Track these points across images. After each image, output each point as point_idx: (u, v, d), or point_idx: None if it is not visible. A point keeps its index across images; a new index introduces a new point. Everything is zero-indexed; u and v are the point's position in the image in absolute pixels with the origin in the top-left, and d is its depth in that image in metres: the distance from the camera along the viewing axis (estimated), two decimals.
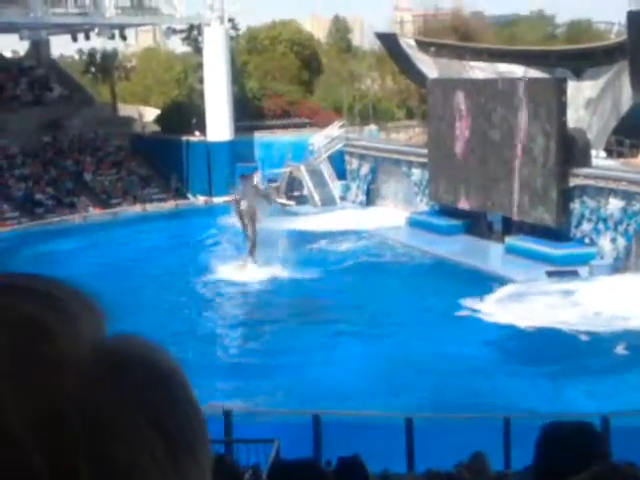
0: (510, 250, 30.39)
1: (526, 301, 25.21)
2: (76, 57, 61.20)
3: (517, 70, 35.73)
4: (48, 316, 0.66)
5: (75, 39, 44.79)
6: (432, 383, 18.98)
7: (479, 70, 37.21)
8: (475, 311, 24.48)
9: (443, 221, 34.44)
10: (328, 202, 41.35)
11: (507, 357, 21.06)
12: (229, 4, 44.85)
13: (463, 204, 33.82)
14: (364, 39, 67.17)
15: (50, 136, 44.76)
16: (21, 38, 41.33)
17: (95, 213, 40.53)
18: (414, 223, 35.60)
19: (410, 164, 37.93)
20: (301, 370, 20.23)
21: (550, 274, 27.45)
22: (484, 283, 26.99)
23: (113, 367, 0.66)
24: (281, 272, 28.88)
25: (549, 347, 21.54)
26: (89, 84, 54.39)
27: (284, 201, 42.44)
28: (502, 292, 26.20)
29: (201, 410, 0.71)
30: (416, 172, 37.55)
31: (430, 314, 24.34)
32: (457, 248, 31.68)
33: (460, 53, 38.93)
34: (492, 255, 31.06)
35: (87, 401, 0.63)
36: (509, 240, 30.88)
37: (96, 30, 42.30)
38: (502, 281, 27.23)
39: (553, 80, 31.23)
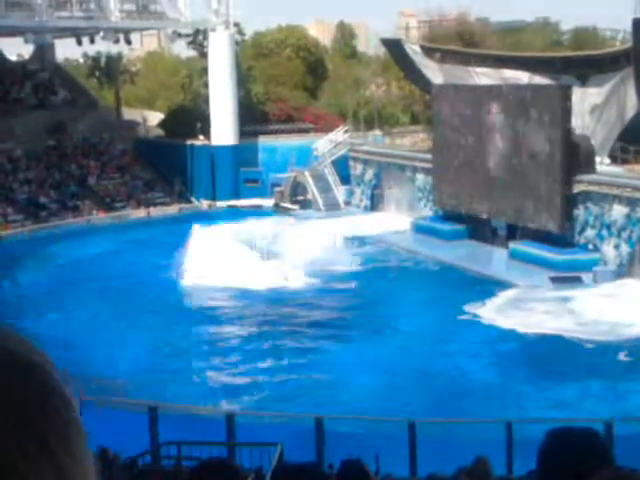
0: (514, 255, 30.38)
1: (528, 307, 25.22)
2: (81, 61, 61.42)
3: (522, 76, 35.71)
4: None
5: (80, 43, 44.90)
6: (432, 387, 18.99)
7: (484, 76, 37.20)
8: (477, 316, 24.51)
9: (447, 226, 34.43)
10: (332, 207, 41.38)
11: (506, 362, 21.03)
12: (235, 9, 44.95)
13: (467, 209, 33.81)
14: (369, 45, 67.24)
15: (54, 140, 44.84)
16: (26, 41, 41.44)
17: (99, 217, 40.57)
18: (418, 228, 35.62)
19: (414, 169, 37.95)
20: (301, 373, 20.25)
21: (553, 280, 27.45)
22: (487, 288, 27.03)
23: None
24: (288, 277, 28.89)
25: (550, 353, 21.51)
26: (93, 88, 54.51)
27: (288, 205, 42.49)
28: (504, 297, 26.23)
29: (69, 401, 0.71)
30: (420, 177, 37.56)
31: (432, 318, 24.41)
32: (461, 253, 31.69)
33: (465, 59, 38.93)
34: (496, 260, 31.04)
35: None
36: (513, 245, 30.87)
37: (101, 34, 42.35)
38: (505, 286, 27.27)
39: (558, 87, 31.23)
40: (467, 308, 25.07)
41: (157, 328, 24.40)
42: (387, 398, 18.37)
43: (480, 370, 20.30)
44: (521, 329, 23.14)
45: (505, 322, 23.71)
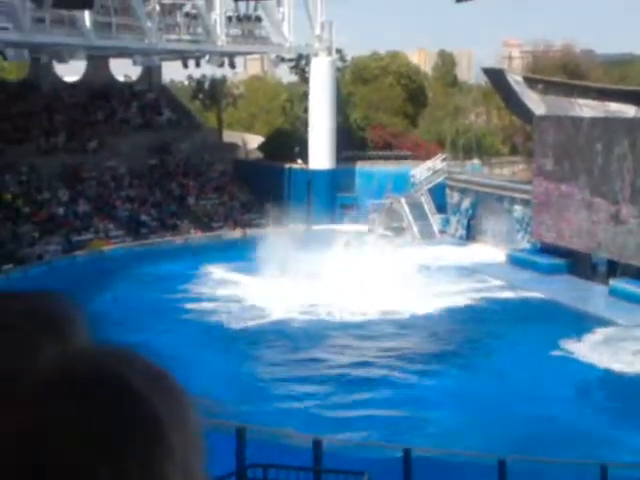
0: (614, 293, 29.49)
1: (626, 345, 24.39)
2: (185, 83, 62.87)
3: (628, 110, 34.87)
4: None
5: (186, 65, 45.96)
6: (523, 424, 18.49)
7: (588, 108, 36.44)
8: (571, 352, 23.86)
9: (545, 260, 33.70)
10: (427, 235, 41.07)
11: (600, 401, 20.34)
12: (337, 35, 45.38)
13: (567, 243, 33.06)
14: (470, 73, 66.83)
15: (157, 159, 45.93)
16: (134, 63, 42.59)
17: (196, 236, 41.25)
18: (515, 260, 34.97)
19: (513, 200, 37.37)
20: (387, 405, 20.04)
21: None
22: (584, 325, 26.31)
23: (64, 387, 0.64)
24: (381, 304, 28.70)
25: None
26: (197, 110, 55.72)
27: (383, 232, 42.36)
28: (602, 334, 25.49)
29: (161, 436, 0.67)
30: (518, 209, 36.95)
31: (526, 353, 23.86)
32: (559, 288, 30.93)
33: (569, 91, 38.22)
34: (595, 297, 30.18)
35: (31, 423, 0.62)
36: (614, 282, 29.98)
37: (207, 57, 43.26)
38: (603, 323, 26.49)
39: None
40: (562, 344, 24.42)
41: (256, 348, 24.57)
42: (474, 433, 17.98)
43: (572, 409, 19.68)
44: (617, 368, 22.39)
45: (601, 360, 22.99)
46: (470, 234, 40.46)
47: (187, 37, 42.09)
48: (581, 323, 26.62)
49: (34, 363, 0.66)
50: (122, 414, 0.64)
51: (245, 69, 76.06)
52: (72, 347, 0.68)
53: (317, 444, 11.80)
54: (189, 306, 29.29)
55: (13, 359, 0.65)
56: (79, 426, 0.62)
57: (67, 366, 0.66)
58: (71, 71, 49.02)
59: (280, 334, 26.38)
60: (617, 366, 22.48)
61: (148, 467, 0.64)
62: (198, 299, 30.19)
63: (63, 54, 39.81)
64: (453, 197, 41.63)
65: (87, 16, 35.46)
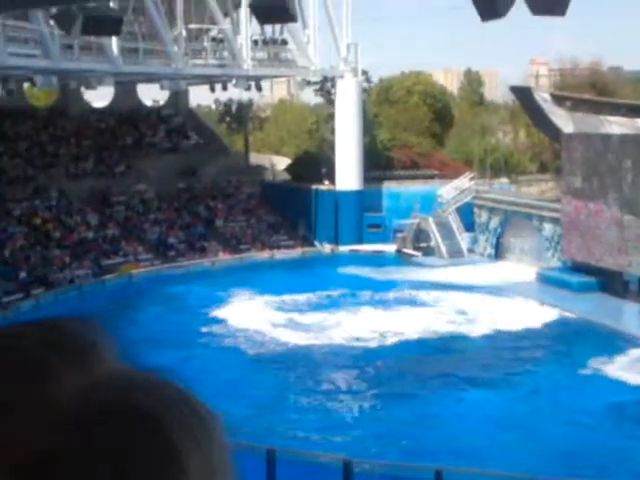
0: None
1: None
2: (212, 107, 63.35)
3: None
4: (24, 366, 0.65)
5: (213, 89, 46.25)
6: (553, 443, 18.25)
7: (617, 125, 36.14)
8: (602, 371, 23.60)
9: (575, 278, 33.34)
10: (455, 254, 40.86)
11: (631, 420, 20.02)
12: (363, 56, 45.51)
13: (597, 261, 32.71)
14: (497, 92, 66.68)
15: (185, 182, 46.20)
16: (162, 88, 42.93)
17: (224, 258, 41.35)
18: (545, 279, 34.65)
19: (542, 218, 37.10)
20: (417, 424, 19.87)
21: None
22: (616, 343, 26.10)
23: (90, 416, 0.63)
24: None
25: None
26: (224, 133, 56.05)
27: (410, 252, 42.22)
28: (634, 353, 25.17)
29: (194, 459, 0.66)
30: (548, 227, 36.67)
31: (556, 371, 23.76)
32: (590, 306, 30.58)
33: (597, 108, 37.96)
34: (627, 315, 29.82)
35: (58, 450, 0.61)
36: None
37: (233, 81, 43.50)
38: (636, 343, 26.12)
39: None
40: (593, 363, 24.19)
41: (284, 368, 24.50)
42: (504, 453, 17.76)
43: (602, 428, 19.40)
44: None
45: (633, 379, 22.73)
46: (499, 253, 40.20)
47: (214, 61, 42.39)
48: (613, 342, 26.32)
49: (45, 391, 0.64)
50: (134, 443, 0.62)
51: (272, 92, 76.46)
52: (90, 375, 0.67)
53: (347, 465, 11.69)
54: (212, 329, 29.31)
55: (22, 387, 0.64)
56: (80, 457, 0.61)
57: (80, 395, 0.65)
58: (99, 96, 49.62)
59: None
60: None
61: None
62: (219, 322, 30.13)
63: (91, 80, 40.27)
64: (481, 216, 41.41)
65: (115, 42, 35.86)
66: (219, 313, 31.32)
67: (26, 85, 45.48)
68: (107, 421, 0.63)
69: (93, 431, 0.62)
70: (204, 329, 29.29)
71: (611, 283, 32.34)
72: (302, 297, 33.31)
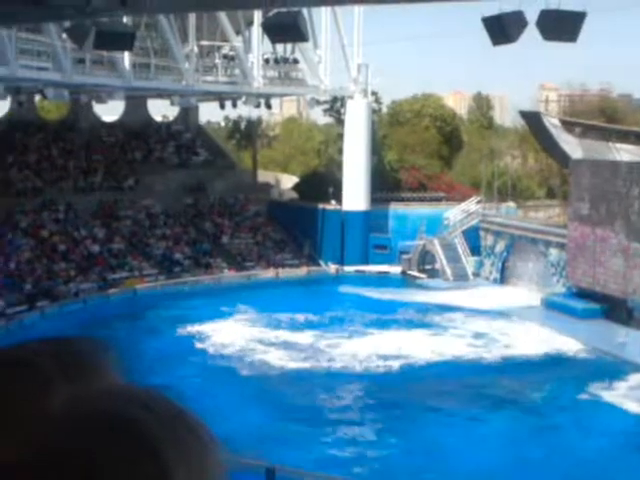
0: None
1: None
2: (222, 123, 63.52)
3: None
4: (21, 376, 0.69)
5: (223, 107, 46.42)
6: (555, 470, 18.15)
7: (626, 152, 36.16)
8: (602, 397, 23.53)
9: (580, 304, 33.22)
10: (460, 277, 40.77)
11: (631, 447, 19.91)
12: (373, 77, 45.63)
13: (602, 288, 32.60)
14: (506, 116, 66.82)
15: (192, 198, 46.26)
16: (172, 104, 43.14)
17: (228, 275, 41.31)
18: (550, 304, 34.54)
19: (548, 244, 37.04)
20: (414, 449, 19.78)
21: None
22: (618, 370, 26.04)
23: (74, 422, 0.66)
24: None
25: None
26: (232, 149, 56.15)
27: (415, 274, 42.15)
28: (636, 381, 25.09)
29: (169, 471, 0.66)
30: (554, 252, 36.60)
31: (557, 397, 23.69)
32: (593, 332, 30.47)
33: (606, 135, 38.00)
34: (630, 342, 29.68)
35: (41, 453, 0.64)
36: None
37: (243, 99, 43.68)
38: (638, 370, 26.04)
39: None
40: (594, 389, 24.14)
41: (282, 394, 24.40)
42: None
43: (604, 455, 19.28)
44: None
45: (633, 406, 22.65)
46: (504, 277, 40.10)
47: (224, 79, 42.60)
48: (615, 369, 26.23)
49: (42, 400, 0.68)
50: (119, 455, 0.64)
51: (281, 110, 76.72)
52: (87, 388, 0.70)
53: None
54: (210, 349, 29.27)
55: (21, 394, 0.68)
56: (66, 465, 0.63)
57: (69, 404, 0.68)
58: (109, 111, 49.81)
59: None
60: None
61: None
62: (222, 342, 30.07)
63: (102, 94, 40.46)
64: (487, 240, 41.36)
65: (126, 57, 36.07)
66: (216, 331, 31.20)
67: (37, 97, 45.69)
68: (84, 425, 0.66)
69: (70, 433, 0.65)
70: (199, 345, 29.35)
71: (615, 310, 32.22)
72: (305, 316, 33.28)
